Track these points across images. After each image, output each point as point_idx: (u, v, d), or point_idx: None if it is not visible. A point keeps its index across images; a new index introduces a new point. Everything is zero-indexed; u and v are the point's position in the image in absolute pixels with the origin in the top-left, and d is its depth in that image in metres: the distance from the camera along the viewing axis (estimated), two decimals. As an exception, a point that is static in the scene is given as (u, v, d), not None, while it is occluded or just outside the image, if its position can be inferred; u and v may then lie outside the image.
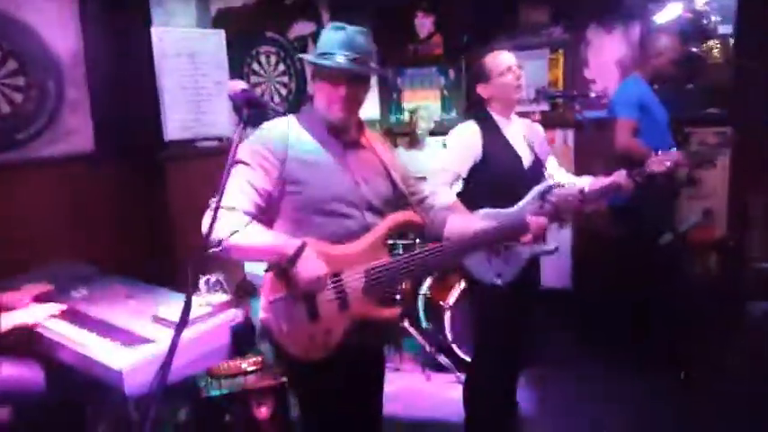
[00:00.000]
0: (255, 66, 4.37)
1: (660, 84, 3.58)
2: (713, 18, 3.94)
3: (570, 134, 4.53)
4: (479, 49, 4.82)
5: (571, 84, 4.48)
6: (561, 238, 2.76)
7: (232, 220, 1.69)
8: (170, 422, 2.63)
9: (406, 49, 5.14)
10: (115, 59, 3.50)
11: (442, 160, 2.61)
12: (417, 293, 3.94)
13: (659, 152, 2.66)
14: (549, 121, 4.07)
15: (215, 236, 1.63)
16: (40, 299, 2.47)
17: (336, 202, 1.81)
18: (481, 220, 2.23)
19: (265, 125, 1.87)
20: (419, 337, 3.85)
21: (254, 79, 4.34)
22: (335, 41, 1.81)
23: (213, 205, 1.58)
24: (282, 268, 1.72)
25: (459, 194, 2.60)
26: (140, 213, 3.59)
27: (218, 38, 3.98)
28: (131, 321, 2.27)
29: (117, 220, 3.47)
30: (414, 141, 4.58)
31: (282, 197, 1.80)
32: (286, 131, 1.82)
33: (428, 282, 3.94)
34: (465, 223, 2.04)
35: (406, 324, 3.84)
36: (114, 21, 3.49)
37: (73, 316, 2.35)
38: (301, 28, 4.63)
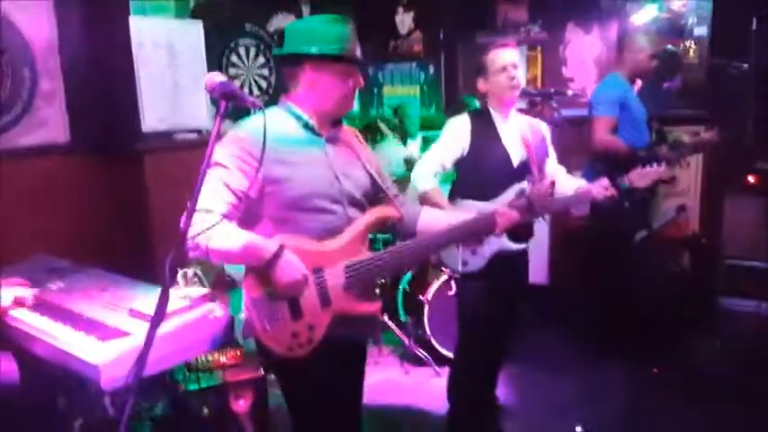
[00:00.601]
0: (234, 58, 4.33)
1: (641, 80, 3.63)
2: (690, 20, 4.00)
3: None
4: (459, 45, 4.88)
5: (549, 82, 4.52)
6: (539, 233, 2.79)
7: (208, 223, 1.66)
8: (147, 416, 2.60)
9: (387, 44, 5.15)
10: (91, 49, 3.44)
11: (430, 150, 2.65)
12: (397, 287, 3.95)
13: (642, 166, 2.69)
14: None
15: (191, 239, 1.61)
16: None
17: (319, 199, 1.80)
18: (454, 212, 2.24)
19: (241, 124, 1.83)
20: (398, 331, 3.87)
21: (232, 71, 4.30)
22: (336, 35, 1.81)
23: (189, 208, 1.51)
24: (261, 270, 1.71)
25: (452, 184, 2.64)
26: (117, 206, 3.54)
27: (196, 29, 3.93)
28: (107, 314, 2.24)
29: (93, 212, 3.42)
30: (402, 137, 4.62)
31: (263, 197, 1.78)
32: (263, 130, 1.64)
33: (408, 276, 3.96)
34: (437, 218, 2.06)
35: (386, 318, 3.86)
36: (91, 9, 3.44)
37: (48, 309, 2.32)
38: (281, 20, 4.60)
